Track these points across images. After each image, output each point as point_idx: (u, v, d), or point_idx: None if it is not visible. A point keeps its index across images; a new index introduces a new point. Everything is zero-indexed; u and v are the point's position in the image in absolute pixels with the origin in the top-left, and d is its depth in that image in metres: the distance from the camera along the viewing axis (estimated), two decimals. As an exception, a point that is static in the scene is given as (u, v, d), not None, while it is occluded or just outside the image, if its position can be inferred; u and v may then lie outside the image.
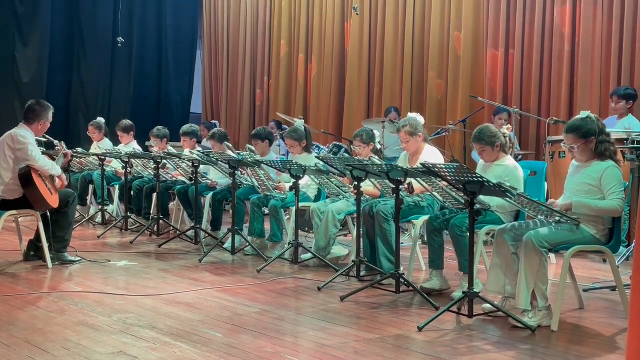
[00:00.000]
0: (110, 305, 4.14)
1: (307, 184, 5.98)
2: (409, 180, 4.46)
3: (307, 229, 6.71)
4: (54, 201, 5.23)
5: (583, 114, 3.89)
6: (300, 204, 5.51)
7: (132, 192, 7.51)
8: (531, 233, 3.71)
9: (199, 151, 6.64)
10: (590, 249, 3.92)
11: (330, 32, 10.31)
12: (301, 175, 5.27)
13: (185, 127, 7.53)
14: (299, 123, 6.35)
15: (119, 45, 10.59)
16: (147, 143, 7.99)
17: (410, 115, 5.29)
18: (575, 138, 3.85)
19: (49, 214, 5.28)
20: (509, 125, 4.75)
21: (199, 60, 12.64)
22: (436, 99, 9.00)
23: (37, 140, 5.42)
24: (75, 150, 7.91)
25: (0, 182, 5.17)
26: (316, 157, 5.66)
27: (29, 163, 5.14)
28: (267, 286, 4.71)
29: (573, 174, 3.98)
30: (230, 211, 6.16)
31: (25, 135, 5.21)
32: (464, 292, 3.80)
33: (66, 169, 6.24)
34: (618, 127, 6.28)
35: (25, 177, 5.11)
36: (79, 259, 5.50)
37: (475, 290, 3.75)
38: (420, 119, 5.21)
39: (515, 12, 8.29)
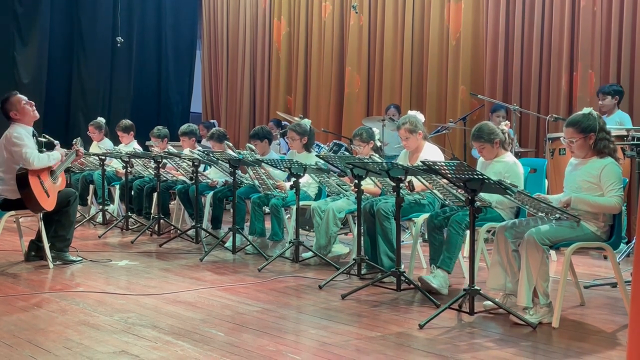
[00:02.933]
0: (111, 304, 4.14)
1: (308, 182, 5.99)
2: (409, 178, 4.46)
3: (307, 227, 6.72)
4: (49, 204, 5.18)
5: (585, 110, 3.90)
6: (301, 203, 5.52)
7: (132, 192, 7.51)
8: (532, 230, 3.71)
9: (199, 150, 6.64)
10: (590, 246, 3.92)
11: (330, 30, 10.31)
12: (301, 174, 5.27)
13: (183, 127, 7.52)
14: (307, 122, 6.31)
15: (119, 45, 10.59)
16: (147, 143, 8.00)
17: (410, 112, 5.30)
18: (574, 132, 3.86)
19: (50, 213, 5.28)
20: (507, 122, 4.75)
21: (199, 59, 12.64)
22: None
23: (38, 141, 5.41)
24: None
25: (2, 182, 5.18)
26: (316, 155, 5.66)
27: (25, 166, 5.10)
28: (268, 285, 4.72)
29: (572, 171, 3.98)
30: (231, 210, 6.16)
31: (19, 135, 5.16)
32: (464, 290, 3.80)
33: (67, 169, 6.23)
34: (607, 124, 6.29)
35: (22, 178, 5.07)
36: (80, 258, 5.50)
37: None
38: (420, 117, 5.22)
39: (515, 9, 8.29)
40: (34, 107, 5.40)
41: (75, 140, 5.91)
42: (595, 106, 7.32)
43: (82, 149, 5.89)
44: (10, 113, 5.28)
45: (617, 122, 6.33)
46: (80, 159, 6.04)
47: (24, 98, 5.37)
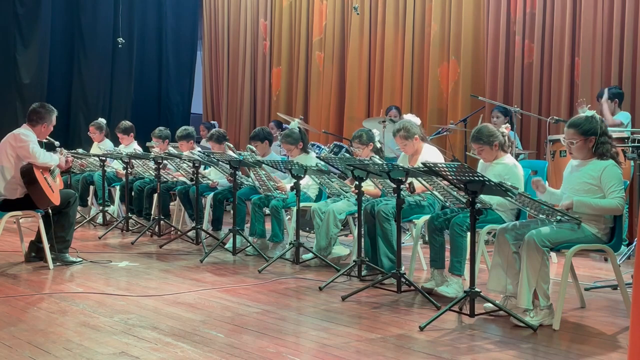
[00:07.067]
0: (111, 305, 4.14)
1: (308, 184, 5.98)
2: (410, 179, 4.46)
3: (308, 229, 6.71)
4: (55, 198, 5.25)
5: (588, 113, 3.89)
6: (301, 204, 5.51)
7: (132, 193, 7.51)
8: (533, 232, 3.71)
9: (199, 151, 6.64)
10: (591, 248, 3.92)
11: (331, 31, 10.31)
12: (302, 175, 5.27)
13: (180, 132, 7.44)
14: (293, 124, 6.33)
15: (119, 46, 10.59)
16: (147, 144, 7.99)
17: (405, 117, 5.30)
18: (574, 134, 3.86)
19: (50, 213, 5.28)
20: (507, 124, 4.75)
21: (199, 61, 12.65)
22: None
23: (38, 141, 5.44)
24: (76, 151, 7.92)
25: (2, 180, 5.20)
26: (317, 157, 5.66)
27: (31, 160, 5.18)
28: (269, 286, 4.71)
29: (571, 173, 3.98)
30: (231, 211, 6.16)
31: (28, 134, 5.28)
32: (465, 292, 3.80)
33: (67, 170, 6.26)
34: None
35: (28, 173, 5.13)
36: (80, 259, 5.50)
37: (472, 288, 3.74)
38: (416, 120, 5.21)
39: (516, 11, 8.29)
40: None
41: (60, 148, 5.93)
42: (596, 107, 7.34)
43: (70, 156, 5.94)
44: (42, 123, 5.41)
45: (622, 123, 6.34)
46: (71, 164, 6.11)
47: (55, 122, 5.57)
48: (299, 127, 6.25)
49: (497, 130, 4.51)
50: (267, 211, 6.04)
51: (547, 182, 5.55)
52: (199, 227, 6.36)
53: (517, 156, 6.64)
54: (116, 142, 8.38)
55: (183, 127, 7.59)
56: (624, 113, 6.62)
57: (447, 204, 4.37)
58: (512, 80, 8.35)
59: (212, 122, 11.38)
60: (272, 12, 11.24)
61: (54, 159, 5.41)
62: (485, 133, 4.48)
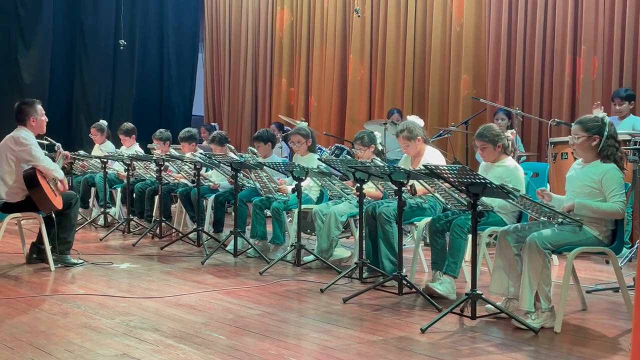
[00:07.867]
0: (113, 307, 4.14)
1: (309, 185, 5.99)
2: (411, 181, 4.46)
3: (309, 231, 6.71)
4: (58, 202, 5.24)
5: (599, 114, 3.89)
6: (303, 206, 5.51)
7: (134, 195, 7.51)
8: (534, 234, 3.71)
9: (201, 153, 6.64)
10: (593, 250, 3.92)
11: (332, 33, 10.32)
12: (303, 177, 5.27)
13: (183, 133, 7.46)
14: (304, 124, 6.35)
15: (121, 47, 10.60)
16: (149, 145, 7.98)
17: (409, 118, 5.31)
18: (579, 129, 3.87)
19: (53, 215, 5.27)
20: (513, 130, 4.75)
21: (201, 62, 12.66)
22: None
23: (39, 142, 5.42)
24: (77, 153, 7.92)
25: (3, 185, 5.18)
26: (318, 159, 5.67)
27: (33, 163, 5.14)
28: (270, 288, 4.71)
29: (574, 175, 3.97)
30: (233, 213, 6.16)
31: (27, 137, 5.22)
32: (466, 294, 3.80)
33: (68, 171, 6.25)
34: (620, 128, 6.29)
35: (31, 177, 5.11)
36: (81, 261, 5.50)
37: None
38: (419, 122, 5.22)
39: (517, 12, 8.30)
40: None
41: (57, 145, 5.92)
42: (610, 110, 7.32)
43: (68, 153, 5.92)
44: (29, 117, 5.32)
45: (632, 127, 6.34)
46: (72, 161, 6.08)
47: (44, 111, 5.46)
48: (308, 128, 6.28)
49: (503, 133, 4.52)
50: (269, 213, 6.04)
51: (548, 184, 5.58)
52: (200, 229, 6.36)
53: (519, 158, 6.64)
54: (117, 144, 8.38)
55: (186, 129, 7.60)
56: (637, 118, 6.59)
57: (449, 206, 4.37)
58: (513, 82, 8.35)
59: (213, 124, 11.38)
60: (273, 12, 11.25)
61: (59, 172, 5.34)
62: (490, 132, 4.49)
